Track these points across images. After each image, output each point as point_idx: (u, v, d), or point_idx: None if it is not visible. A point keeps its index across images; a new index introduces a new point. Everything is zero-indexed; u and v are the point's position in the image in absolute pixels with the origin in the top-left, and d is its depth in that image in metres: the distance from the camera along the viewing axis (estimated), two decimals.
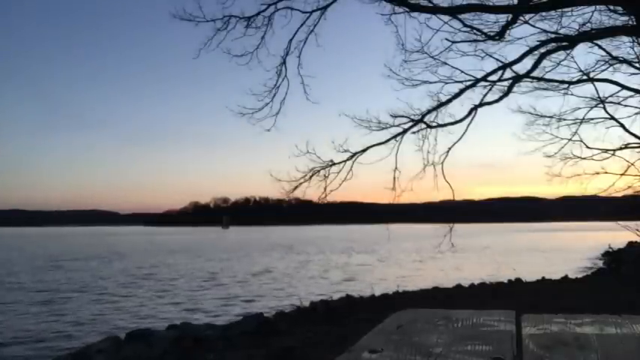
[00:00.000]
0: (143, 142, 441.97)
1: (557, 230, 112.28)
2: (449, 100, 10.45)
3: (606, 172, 13.09)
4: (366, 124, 10.53)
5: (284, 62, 10.41)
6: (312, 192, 10.82)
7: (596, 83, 12.14)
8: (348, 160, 10.65)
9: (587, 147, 12.94)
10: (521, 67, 10.46)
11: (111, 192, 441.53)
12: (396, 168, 10.78)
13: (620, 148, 13.13)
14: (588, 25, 10.21)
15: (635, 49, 11.76)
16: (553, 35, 10.27)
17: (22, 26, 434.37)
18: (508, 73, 10.56)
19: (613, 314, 1.19)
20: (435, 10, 9.64)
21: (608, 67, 11.86)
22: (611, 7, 10.13)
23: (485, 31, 9.95)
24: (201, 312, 16.00)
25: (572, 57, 11.24)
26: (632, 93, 12.24)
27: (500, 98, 10.65)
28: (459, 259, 30.54)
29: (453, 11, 9.64)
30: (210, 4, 10.08)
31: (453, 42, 10.27)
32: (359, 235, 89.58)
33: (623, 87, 12.08)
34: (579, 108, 12.59)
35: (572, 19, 10.18)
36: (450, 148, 10.80)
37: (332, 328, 9.22)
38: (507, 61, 10.34)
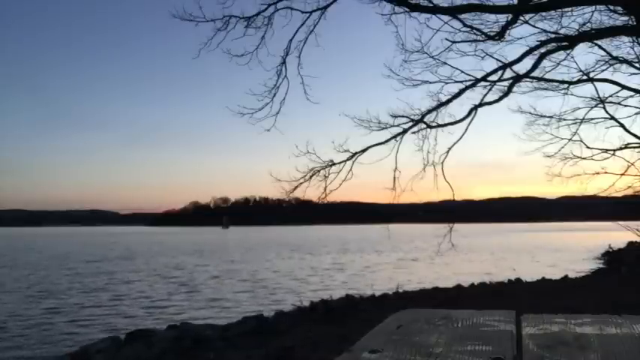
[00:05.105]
0: (143, 142, 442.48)
1: (557, 230, 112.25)
2: (449, 100, 10.44)
3: (606, 172, 13.11)
4: (366, 124, 10.52)
5: (284, 62, 10.38)
6: (312, 192, 10.80)
7: (596, 83, 12.15)
8: (348, 160, 10.64)
9: (587, 147, 12.96)
10: (521, 67, 10.45)
11: (111, 192, 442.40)
12: (396, 168, 10.78)
13: (620, 148, 13.15)
14: (588, 25, 10.21)
15: (635, 49, 11.78)
16: (553, 35, 10.27)
17: (24, 30, 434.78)
18: (508, 73, 10.56)
19: (613, 314, 1.19)
20: (435, 10, 9.62)
21: (608, 67, 11.87)
22: (611, 7, 10.13)
23: (485, 31, 9.95)
24: (202, 312, 16.00)
25: (572, 57, 11.24)
26: (632, 93, 12.26)
27: (500, 98, 10.65)
28: (459, 259, 30.53)
29: (453, 11, 9.63)
30: (210, 4, 10.06)
31: (453, 42, 10.27)
32: (359, 235, 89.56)
33: (623, 87, 12.09)
34: (579, 108, 12.61)
35: (572, 19, 10.19)
36: (450, 148, 10.79)
37: (332, 328, 9.22)
38: (507, 61, 10.33)
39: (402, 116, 10.49)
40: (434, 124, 10.58)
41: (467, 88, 10.42)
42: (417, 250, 43.16)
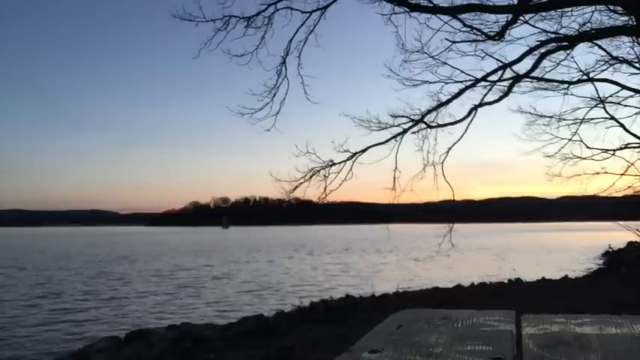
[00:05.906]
0: (143, 142, 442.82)
1: (557, 230, 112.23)
2: (449, 100, 10.44)
3: (606, 172, 13.10)
4: (366, 124, 10.51)
5: (284, 62, 10.37)
6: (312, 192, 10.79)
7: (596, 83, 12.14)
8: (348, 160, 10.63)
9: (587, 147, 12.95)
10: (521, 67, 10.45)
11: (111, 192, 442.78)
12: (396, 168, 10.77)
13: (620, 148, 13.14)
14: (588, 25, 10.21)
15: (635, 49, 11.77)
16: (553, 35, 10.26)
17: (24, 30, 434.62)
18: (508, 73, 10.55)
19: (613, 314, 1.19)
20: (435, 10, 9.62)
21: (608, 67, 11.86)
22: (611, 7, 10.13)
23: (485, 31, 9.94)
24: (202, 312, 16.00)
25: (572, 57, 11.23)
26: (632, 93, 12.25)
27: (500, 98, 10.65)
28: (459, 259, 30.53)
29: (453, 11, 9.63)
30: (210, 4, 10.05)
31: (453, 42, 10.26)
32: (359, 235, 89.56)
33: (623, 87, 12.09)
34: (579, 108, 12.60)
35: (572, 19, 10.19)
36: (450, 148, 10.78)
37: (332, 328, 9.22)
38: (507, 61, 10.32)
39: (402, 116, 10.49)
40: (434, 124, 10.58)
41: (467, 88, 10.42)
42: (417, 250, 43.14)
